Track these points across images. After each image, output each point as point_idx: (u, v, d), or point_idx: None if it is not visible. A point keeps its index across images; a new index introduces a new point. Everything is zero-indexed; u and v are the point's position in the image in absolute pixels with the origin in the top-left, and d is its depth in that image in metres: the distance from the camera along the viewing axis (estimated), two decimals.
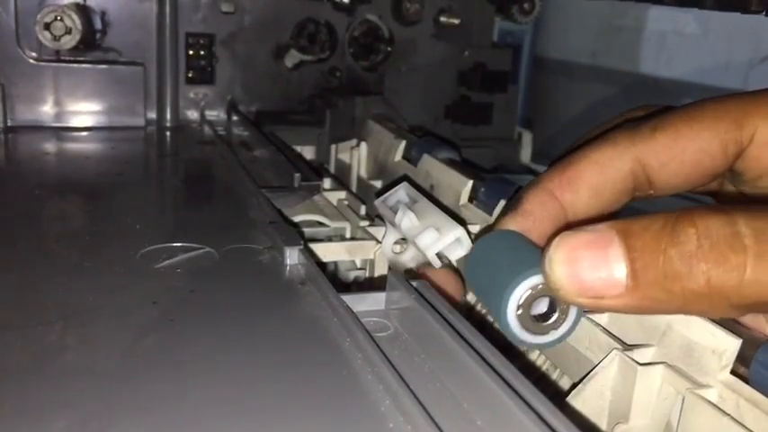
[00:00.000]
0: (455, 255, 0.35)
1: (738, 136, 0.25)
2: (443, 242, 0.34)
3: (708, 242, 0.20)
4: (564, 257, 0.22)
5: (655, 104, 0.30)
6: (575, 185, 0.26)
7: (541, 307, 0.24)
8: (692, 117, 0.26)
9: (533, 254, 0.24)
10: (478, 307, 0.38)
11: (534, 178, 0.28)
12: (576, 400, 0.27)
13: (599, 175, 0.26)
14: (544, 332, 0.24)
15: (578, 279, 0.21)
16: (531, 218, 0.26)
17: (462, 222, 0.36)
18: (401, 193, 0.38)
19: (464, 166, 0.45)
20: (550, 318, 0.24)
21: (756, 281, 0.19)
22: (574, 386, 0.27)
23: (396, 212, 0.37)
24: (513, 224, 0.26)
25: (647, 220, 0.21)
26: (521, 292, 0.24)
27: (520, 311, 0.24)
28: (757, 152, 0.25)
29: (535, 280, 0.24)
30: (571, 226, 0.27)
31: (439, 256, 0.35)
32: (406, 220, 0.36)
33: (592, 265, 0.21)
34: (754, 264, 0.19)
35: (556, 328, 0.24)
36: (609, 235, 0.21)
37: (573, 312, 0.24)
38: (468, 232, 0.35)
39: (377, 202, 0.39)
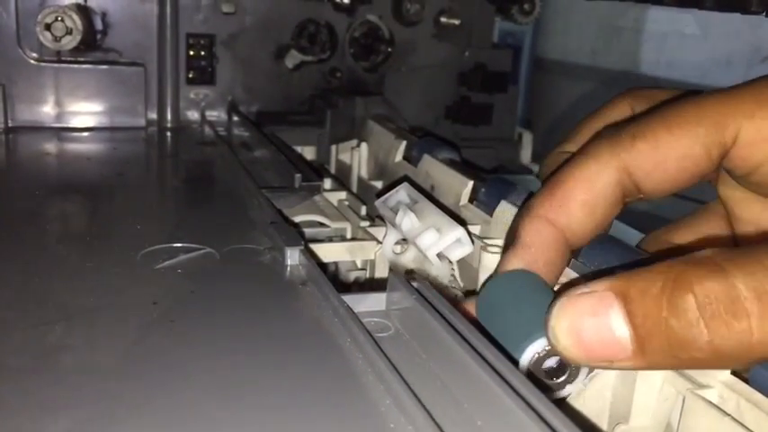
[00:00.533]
0: (455, 255, 0.35)
1: (721, 138, 0.24)
2: (444, 242, 0.34)
3: (709, 311, 0.19)
4: (567, 328, 0.21)
5: (647, 86, 0.30)
6: (566, 207, 0.26)
7: (553, 361, 0.24)
8: (671, 122, 0.25)
9: (540, 307, 0.23)
10: None
11: (525, 206, 0.27)
12: (577, 401, 0.27)
13: (588, 191, 0.26)
14: (560, 388, 0.25)
15: (584, 347, 0.21)
16: (533, 249, 0.26)
17: (463, 223, 0.36)
18: (402, 193, 0.38)
19: (464, 167, 0.45)
20: (564, 373, 0.24)
21: (763, 342, 0.19)
22: None
23: (396, 213, 0.37)
24: (516, 261, 0.26)
25: (643, 280, 0.20)
26: (528, 357, 0.24)
27: (530, 372, 0.24)
28: (742, 152, 0.24)
29: (541, 344, 0.23)
30: (572, 246, 0.27)
31: (439, 256, 0.35)
32: (407, 221, 0.36)
33: (596, 334, 0.21)
34: (759, 326, 0.19)
35: (570, 382, 0.25)
36: (608, 299, 0.21)
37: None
38: (469, 233, 0.35)
39: (377, 203, 0.39)
